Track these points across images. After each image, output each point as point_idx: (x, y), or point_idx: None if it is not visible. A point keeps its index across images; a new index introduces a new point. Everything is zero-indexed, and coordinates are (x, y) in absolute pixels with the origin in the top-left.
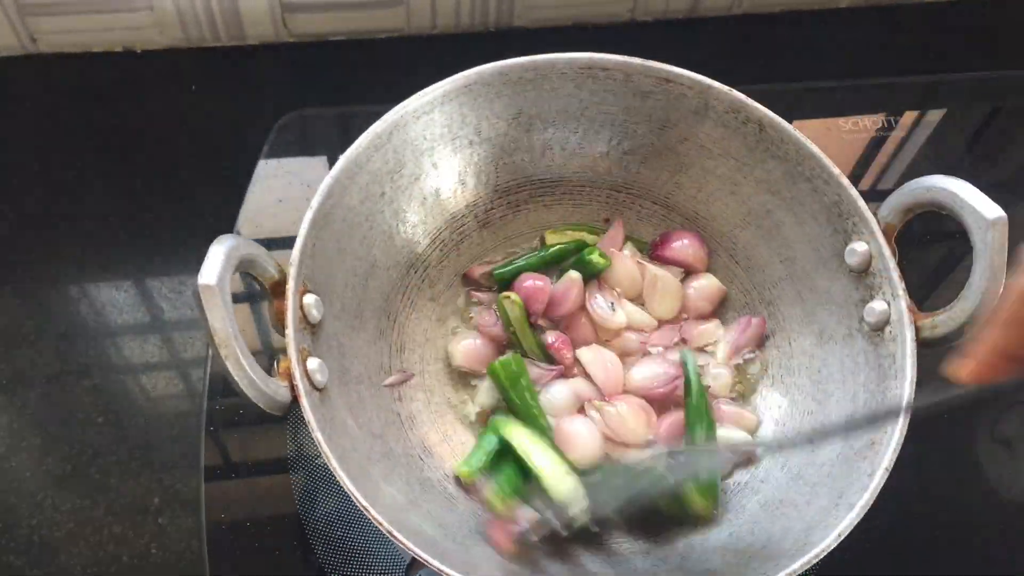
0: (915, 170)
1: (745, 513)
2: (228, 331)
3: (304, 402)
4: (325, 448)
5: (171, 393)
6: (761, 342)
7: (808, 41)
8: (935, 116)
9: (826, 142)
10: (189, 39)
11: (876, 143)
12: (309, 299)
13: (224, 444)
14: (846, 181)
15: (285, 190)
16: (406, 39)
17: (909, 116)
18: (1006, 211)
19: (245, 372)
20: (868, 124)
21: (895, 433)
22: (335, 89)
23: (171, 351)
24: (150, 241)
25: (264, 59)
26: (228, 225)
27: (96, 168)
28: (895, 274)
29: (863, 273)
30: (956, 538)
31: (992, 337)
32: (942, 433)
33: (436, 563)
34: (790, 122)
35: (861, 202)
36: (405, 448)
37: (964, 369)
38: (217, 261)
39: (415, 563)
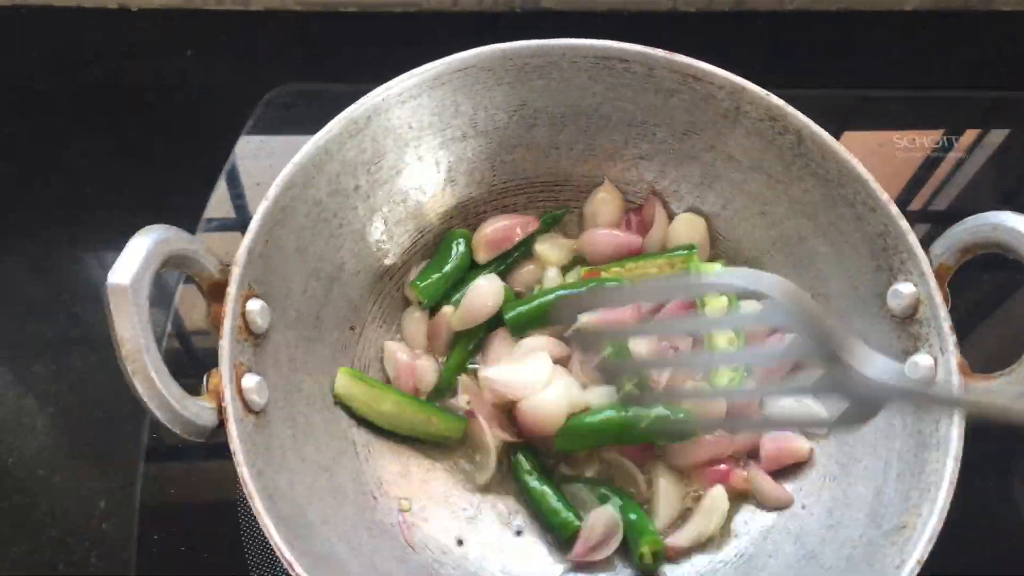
0: (973, 195)
1: None
2: (139, 342)
3: (232, 429)
4: (251, 487)
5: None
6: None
7: (866, 45)
8: (998, 136)
9: (877, 159)
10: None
11: (931, 163)
12: (254, 305)
13: None
14: (895, 210)
15: (264, 173)
16: (424, 15)
17: (970, 135)
18: None
19: (156, 391)
20: (925, 142)
21: (932, 515)
22: (340, 66)
23: None
24: (122, 212)
25: (268, 27)
26: (203, 201)
27: (78, 130)
28: (946, 324)
29: (908, 319)
30: None
31: None
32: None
33: None
34: (838, 134)
35: (912, 236)
36: (357, 485)
37: None
38: (135, 257)
39: None
